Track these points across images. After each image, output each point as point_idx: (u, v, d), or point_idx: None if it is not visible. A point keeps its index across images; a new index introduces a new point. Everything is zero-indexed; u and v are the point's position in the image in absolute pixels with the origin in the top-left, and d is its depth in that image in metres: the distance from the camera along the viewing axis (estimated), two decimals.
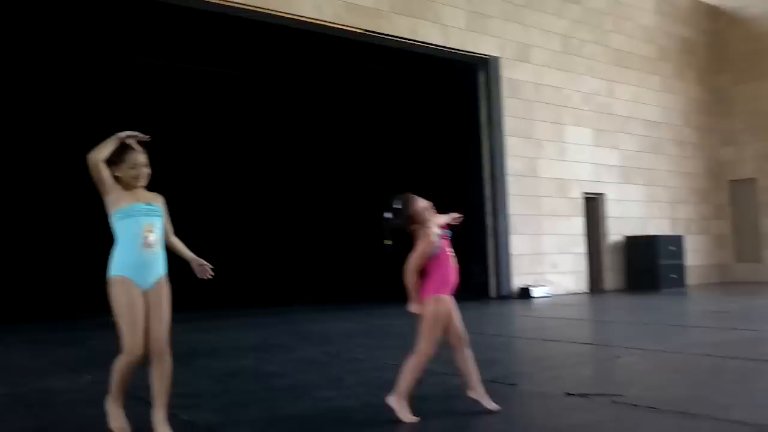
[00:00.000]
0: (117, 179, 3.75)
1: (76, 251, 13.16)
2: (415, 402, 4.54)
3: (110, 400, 3.93)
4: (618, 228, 16.14)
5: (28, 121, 13.19)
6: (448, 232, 4.30)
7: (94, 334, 9.08)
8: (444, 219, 4.38)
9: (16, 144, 13.03)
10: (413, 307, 4.16)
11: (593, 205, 15.95)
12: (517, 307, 12.23)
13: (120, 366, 3.81)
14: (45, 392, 5.26)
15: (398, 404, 4.10)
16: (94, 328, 9.92)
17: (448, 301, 4.22)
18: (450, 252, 4.27)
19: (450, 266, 4.24)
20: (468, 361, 4.34)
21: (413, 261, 4.11)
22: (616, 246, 16.11)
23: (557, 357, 6.47)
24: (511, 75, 14.22)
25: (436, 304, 4.14)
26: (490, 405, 4.24)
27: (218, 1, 10.54)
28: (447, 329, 4.23)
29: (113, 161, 3.73)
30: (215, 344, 7.96)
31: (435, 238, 4.16)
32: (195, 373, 5.92)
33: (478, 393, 4.30)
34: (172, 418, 4.23)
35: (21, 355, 7.46)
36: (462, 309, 4.44)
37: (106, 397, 3.96)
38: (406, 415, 4.04)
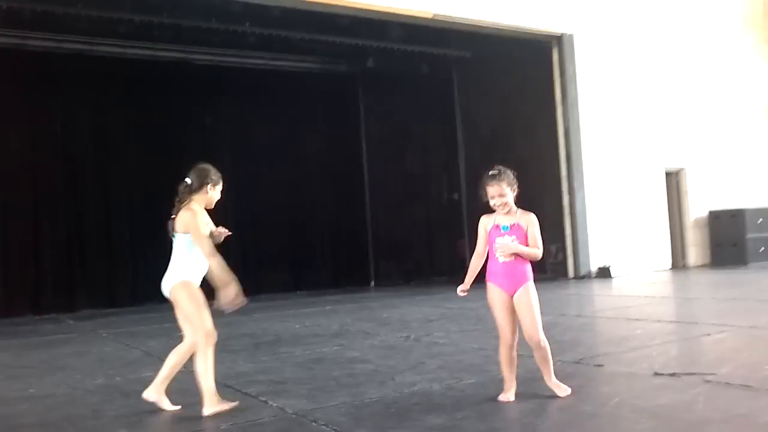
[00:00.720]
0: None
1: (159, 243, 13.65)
2: (499, 385, 4.53)
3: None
4: (701, 202, 15.57)
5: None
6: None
7: None
8: None
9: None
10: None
11: (674, 180, 15.44)
12: (597, 287, 12.00)
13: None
14: (139, 382, 5.47)
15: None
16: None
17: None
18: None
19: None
20: None
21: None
22: (699, 221, 15.56)
23: (642, 336, 6.32)
24: (585, 50, 13.87)
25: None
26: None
27: None
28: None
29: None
30: (297, 332, 8.12)
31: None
32: (281, 360, 6.07)
33: None
34: (262, 405, 4.36)
35: (115, 346, 7.80)
36: (540, 290, 4.40)
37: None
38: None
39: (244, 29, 12.74)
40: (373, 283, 15.87)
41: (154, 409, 4.45)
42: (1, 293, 12.29)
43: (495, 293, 4.20)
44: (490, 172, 4.19)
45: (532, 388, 4.37)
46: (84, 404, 4.76)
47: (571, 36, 13.76)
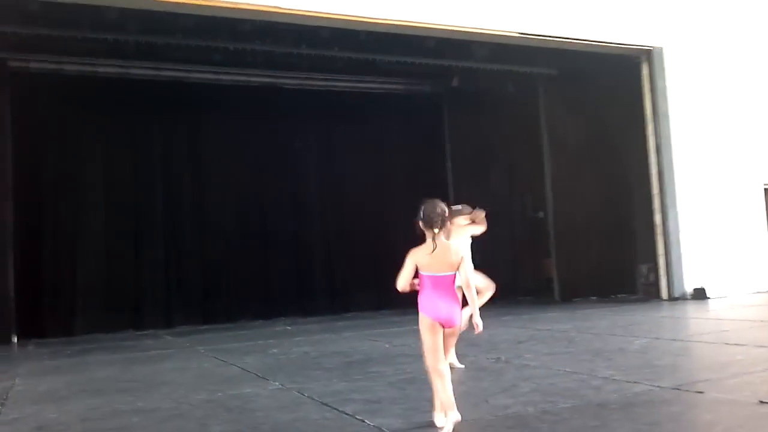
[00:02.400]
0: None
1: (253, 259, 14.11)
2: (596, 410, 4.49)
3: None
4: None
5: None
6: None
7: (274, 342, 9.69)
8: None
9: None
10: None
11: None
12: (692, 309, 11.60)
13: None
14: (240, 398, 5.69)
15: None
16: (272, 335, 10.61)
17: None
18: None
19: None
20: None
21: None
22: None
23: (744, 362, 6.09)
24: (676, 64, 13.55)
25: None
26: None
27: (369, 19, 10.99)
28: None
29: None
30: (386, 351, 8.22)
31: None
32: (373, 379, 6.17)
33: None
34: (360, 425, 4.47)
35: (213, 362, 8.10)
36: (631, 312, 4.35)
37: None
38: None
39: (332, 53, 13.09)
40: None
41: (255, 425, 4.63)
42: (104, 310, 12.98)
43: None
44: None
45: (632, 414, 4.31)
46: (191, 418, 4.99)
47: (661, 49, 13.48)
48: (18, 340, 11.69)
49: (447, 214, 4.40)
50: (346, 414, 4.78)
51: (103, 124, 13.41)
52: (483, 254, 15.86)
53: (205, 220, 14.02)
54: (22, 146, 12.29)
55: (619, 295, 14.68)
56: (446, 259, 4.27)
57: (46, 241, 12.86)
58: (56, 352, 10.06)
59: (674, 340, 8.09)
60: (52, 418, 5.26)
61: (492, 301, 15.60)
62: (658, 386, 5.12)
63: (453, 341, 6.51)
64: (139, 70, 13.06)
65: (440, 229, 4.32)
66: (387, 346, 8.74)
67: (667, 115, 13.40)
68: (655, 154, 13.53)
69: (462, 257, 4.30)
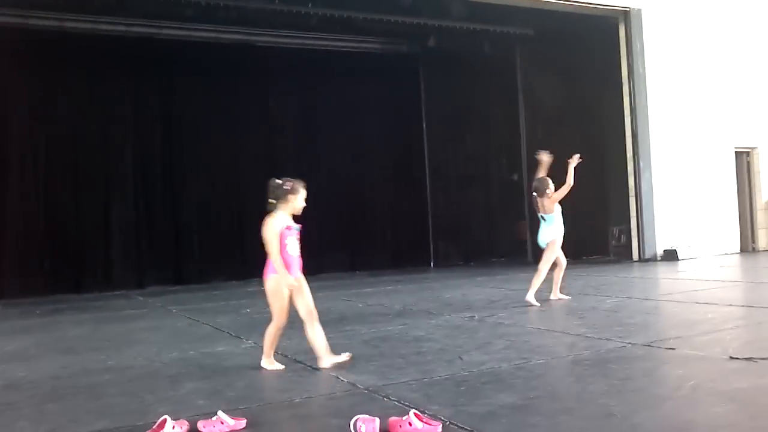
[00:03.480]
0: None
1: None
2: (570, 366, 4.51)
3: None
4: None
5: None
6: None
7: (247, 302, 9.64)
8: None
9: None
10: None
11: (745, 160, 14.96)
12: (663, 270, 11.74)
13: None
14: (213, 356, 5.65)
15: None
16: (245, 296, 10.55)
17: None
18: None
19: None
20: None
21: None
22: None
23: (714, 320, 6.18)
24: (654, 26, 13.50)
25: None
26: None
27: None
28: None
29: None
30: (360, 310, 8.22)
31: None
32: (347, 337, 6.15)
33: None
34: (335, 381, 4.45)
35: (186, 321, 8.03)
36: (603, 273, 4.36)
37: None
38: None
39: (306, 10, 12.83)
40: (432, 264, 15.90)
41: (229, 382, 4.59)
42: (74, 271, 12.81)
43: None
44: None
45: (606, 370, 4.34)
46: (162, 376, 4.94)
47: (639, 10, 13.42)
48: None
49: (281, 188, 4.96)
50: (321, 371, 4.76)
51: (71, 81, 13.05)
52: (457, 217, 16.03)
53: (177, 180, 13.80)
54: None
55: (591, 257, 14.82)
56: None
57: (14, 201, 12.58)
58: (26, 313, 9.91)
59: (645, 299, 8.18)
60: (20, 376, 5.17)
61: (466, 262, 15.73)
62: (630, 343, 5.17)
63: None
64: (109, 26, 12.71)
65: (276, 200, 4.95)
66: (361, 305, 8.74)
67: (643, 77, 13.39)
68: (630, 117, 13.53)
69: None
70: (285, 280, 4.79)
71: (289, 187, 4.94)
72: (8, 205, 12.47)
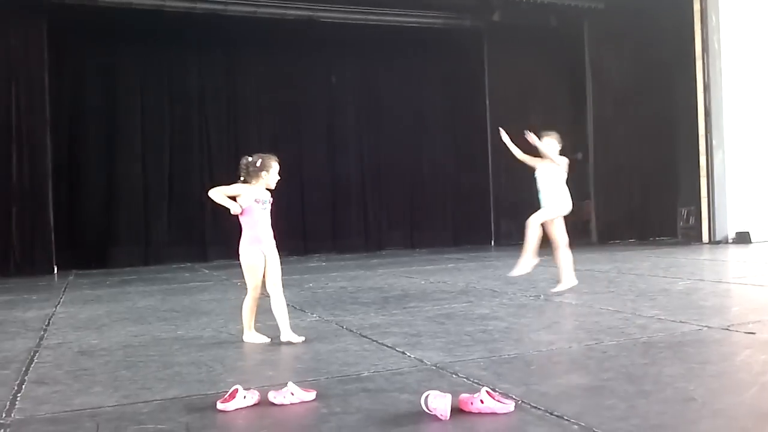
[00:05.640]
0: None
1: None
2: (643, 348, 4.37)
3: None
4: None
5: None
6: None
7: (310, 277, 9.69)
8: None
9: None
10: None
11: None
12: (736, 253, 11.31)
13: None
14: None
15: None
16: (307, 271, 10.61)
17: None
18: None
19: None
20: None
21: None
22: None
23: None
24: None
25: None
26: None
27: None
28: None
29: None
30: (423, 288, 8.17)
31: None
32: (411, 314, 6.11)
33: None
34: (401, 356, 4.41)
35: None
36: (672, 254, 4.20)
37: None
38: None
39: None
40: (493, 243, 15.71)
41: (296, 354, 4.62)
42: (141, 243, 13.15)
43: (260, 256, 4.98)
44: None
45: (681, 353, 4.18)
46: (230, 346, 5.00)
47: None
48: (58, 270, 11.91)
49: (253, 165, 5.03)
50: (387, 346, 4.74)
51: (139, 57, 13.30)
52: (519, 195, 15.76)
53: (240, 154, 13.90)
54: (59, 79, 12.28)
55: (658, 238, 14.41)
56: None
57: (84, 175, 12.95)
58: (96, 283, 10.22)
59: (719, 282, 7.89)
60: (94, 343, 5.31)
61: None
62: (706, 326, 4.98)
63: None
64: (175, 2, 12.83)
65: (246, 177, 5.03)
66: (423, 282, 8.69)
67: (718, 53, 12.84)
68: (703, 94, 13.02)
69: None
70: (231, 207, 4.92)
71: (259, 164, 4.99)
72: (81, 179, 12.86)
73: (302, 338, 4.99)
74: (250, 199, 4.96)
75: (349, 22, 14.01)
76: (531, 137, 7.13)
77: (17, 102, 11.88)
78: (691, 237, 13.50)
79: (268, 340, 5.01)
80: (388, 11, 14.07)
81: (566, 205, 7.09)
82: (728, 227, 12.94)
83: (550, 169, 7.08)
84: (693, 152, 13.18)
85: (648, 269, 9.15)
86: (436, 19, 14.77)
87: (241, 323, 5.17)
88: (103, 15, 12.32)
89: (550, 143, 7.14)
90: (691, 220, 13.69)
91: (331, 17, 13.85)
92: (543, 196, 7.11)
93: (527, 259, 7.16)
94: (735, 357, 4.17)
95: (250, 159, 5.04)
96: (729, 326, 4.96)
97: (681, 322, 5.19)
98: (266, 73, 13.96)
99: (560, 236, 7.14)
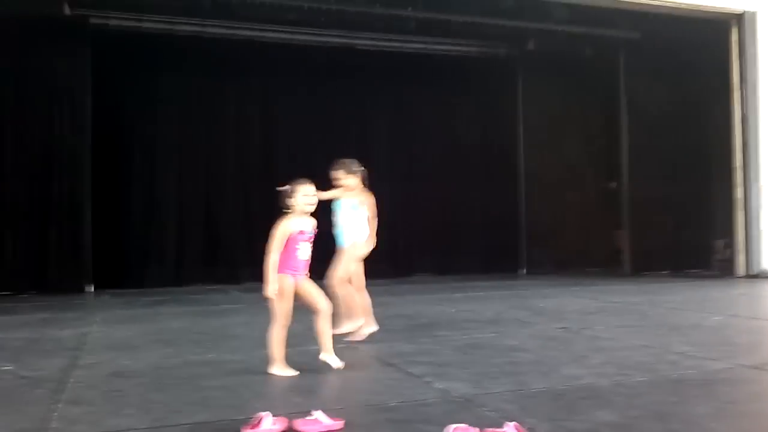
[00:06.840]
0: None
1: None
2: (673, 385, 4.33)
3: None
4: None
5: None
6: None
7: None
8: None
9: None
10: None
11: None
12: None
13: None
14: (307, 354, 5.69)
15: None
16: None
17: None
18: None
19: None
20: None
21: None
22: None
23: None
24: None
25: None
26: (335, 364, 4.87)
27: None
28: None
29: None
30: (452, 316, 8.17)
31: None
32: (439, 343, 6.12)
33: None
34: (427, 386, 4.43)
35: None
36: (706, 288, 4.17)
37: None
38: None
39: (406, 14, 12.88)
40: (524, 271, 15.62)
41: (324, 381, 4.66)
42: (175, 264, 13.35)
43: (290, 281, 5.00)
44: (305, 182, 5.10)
45: (711, 391, 4.13)
46: (258, 371, 5.05)
47: (753, 14, 12.76)
48: (94, 289, 12.13)
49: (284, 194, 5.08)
50: (413, 375, 4.76)
51: (179, 82, 13.59)
52: (551, 224, 15.66)
53: (275, 179, 14.09)
54: (102, 102, 12.61)
55: (692, 271, 14.20)
56: None
57: (122, 197, 13.22)
58: (130, 302, 10.39)
59: (753, 318, 7.77)
60: (126, 364, 5.42)
61: (559, 271, 15.34)
62: (738, 364, 4.92)
63: None
64: (215, 29, 13.14)
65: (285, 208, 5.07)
66: (452, 311, 8.69)
67: (755, 84, 12.71)
68: (740, 125, 12.88)
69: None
70: (269, 285, 4.91)
71: (289, 191, 5.02)
72: (119, 201, 13.14)
73: (342, 364, 4.91)
74: (295, 230, 4.99)
75: (385, 49, 14.19)
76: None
77: (60, 123, 12.24)
78: (726, 270, 13.28)
79: (297, 373, 4.87)
80: (423, 39, 14.23)
81: (366, 245, 6.39)
82: (763, 261, 12.72)
83: (351, 203, 6.44)
84: (728, 184, 13.03)
85: (681, 303, 9.04)
86: (471, 47, 14.88)
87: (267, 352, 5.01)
88: (146, 40, 12.68)
89: (342, 173, 6.66)
90: (727, 253, 13.48)
91: (366, 44, 14.05)
92: (341, 234, 6.46)
93: (356, 321, 6.22)
94: (765, 397, 4.11)
95: (281, 189, 5.09)
96: (762, 365, 4.90)
97: (712, 359, 5.14)
98: (301, 98, 14.15)
99: (358, 278, 6.42)
